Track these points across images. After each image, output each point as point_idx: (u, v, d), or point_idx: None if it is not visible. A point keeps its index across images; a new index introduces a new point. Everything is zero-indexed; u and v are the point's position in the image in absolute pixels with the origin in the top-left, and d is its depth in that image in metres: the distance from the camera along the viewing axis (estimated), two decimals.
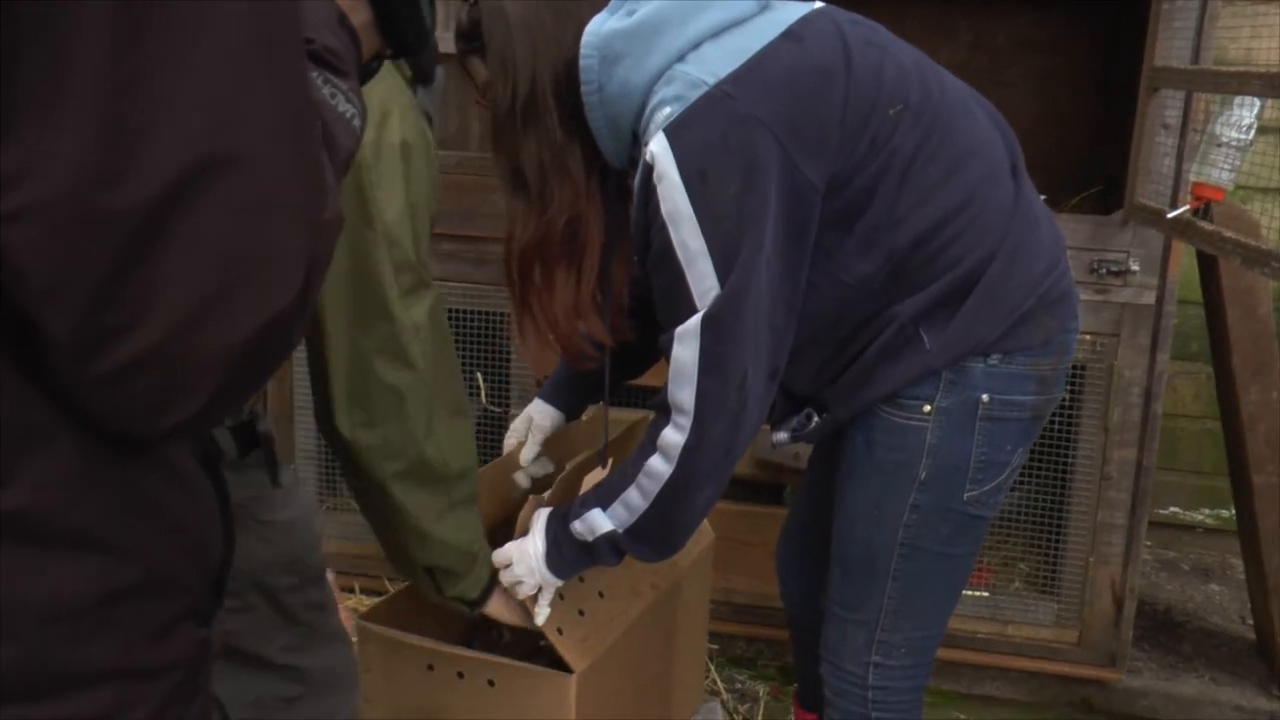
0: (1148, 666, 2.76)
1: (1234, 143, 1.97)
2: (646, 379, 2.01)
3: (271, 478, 1.32)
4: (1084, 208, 2.76)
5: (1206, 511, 3.50)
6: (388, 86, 1.42)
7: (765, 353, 1.47)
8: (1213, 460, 3.35)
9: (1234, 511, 2.88)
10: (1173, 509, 3.51)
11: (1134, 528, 2.55)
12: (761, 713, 2.62)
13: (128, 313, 0.65)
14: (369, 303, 1.43)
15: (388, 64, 1.49)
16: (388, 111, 1.41)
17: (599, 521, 1.61)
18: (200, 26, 0.64)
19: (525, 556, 1.68)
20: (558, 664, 1.85)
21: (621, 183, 1.58)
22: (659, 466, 1.53)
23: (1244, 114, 1.98)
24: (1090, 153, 3.12)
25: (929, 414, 1.56)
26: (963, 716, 2.68)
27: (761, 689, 2.73)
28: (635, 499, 1.57)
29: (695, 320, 1.43)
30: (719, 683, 2.70)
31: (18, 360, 0.67)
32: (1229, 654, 2.85)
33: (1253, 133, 1.99)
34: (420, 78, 1.47)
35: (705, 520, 2.19)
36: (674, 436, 1.50)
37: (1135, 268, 2.41)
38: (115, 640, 0.76)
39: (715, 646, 2.78)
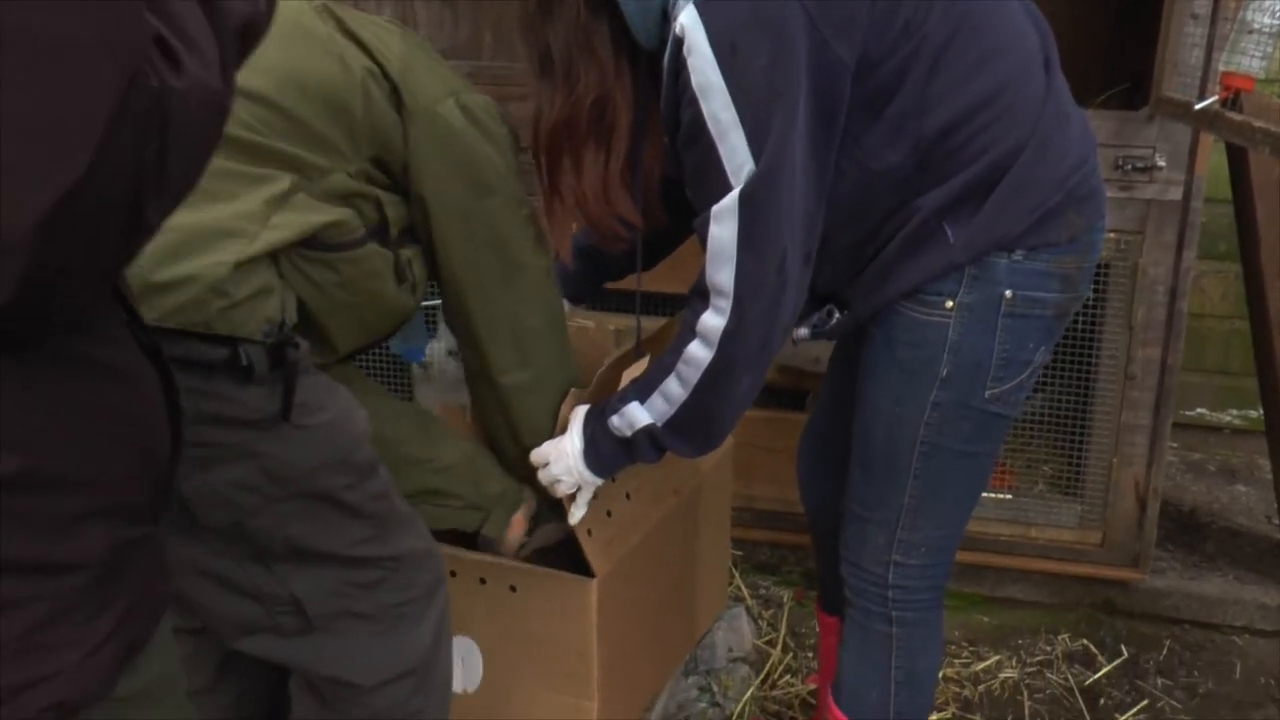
0: (1171, 567, 2.76)
1: (1267, 29, 1.91)
2: (659, 284, 2.00)
3: (284, 408, 1.32)
4: (1110, 105, 2.70)
5: (1234, 412, 3.47)
6: (450, 71, 1.56)
7: (800, 233, 1.46)
8: (1241, 360, 3.31)
9: (1261, 412, 2.85)
10: (1199, 410, 3.48)
11: (1158, 428, 2.53)
12: (785, 618, 2.64)
13: None
14: (508, 261, 1.61)
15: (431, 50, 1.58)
16: (460, 90, 1.54)
17: (637, 415, 1.61)
18: None
19: (563, 455, 1.69)
20: (579, 568, 1.86)
21: (651, 63, 1.55)
22: (698, 352, 1.52)
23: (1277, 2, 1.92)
24: (1116, 50, 3.04)
25: (951, 310, 1.54)
26: (986, 619, 2.69)
27: (785, 594, 2.74)
28: (674, 389, 1.57)
29: (733, 197, 1.41)
30: (743, 589, 2.72)
31: None
32: (1253, 554, 2.84)
33: None
34: None
35: None
36: (714, 320, 1.49)
37: (1161, 163, 2.36)
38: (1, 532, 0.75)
39: (739, 553, 2.79)
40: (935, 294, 1.54)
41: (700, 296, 1.51)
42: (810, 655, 2.52)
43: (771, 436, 2.71)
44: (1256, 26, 1.91)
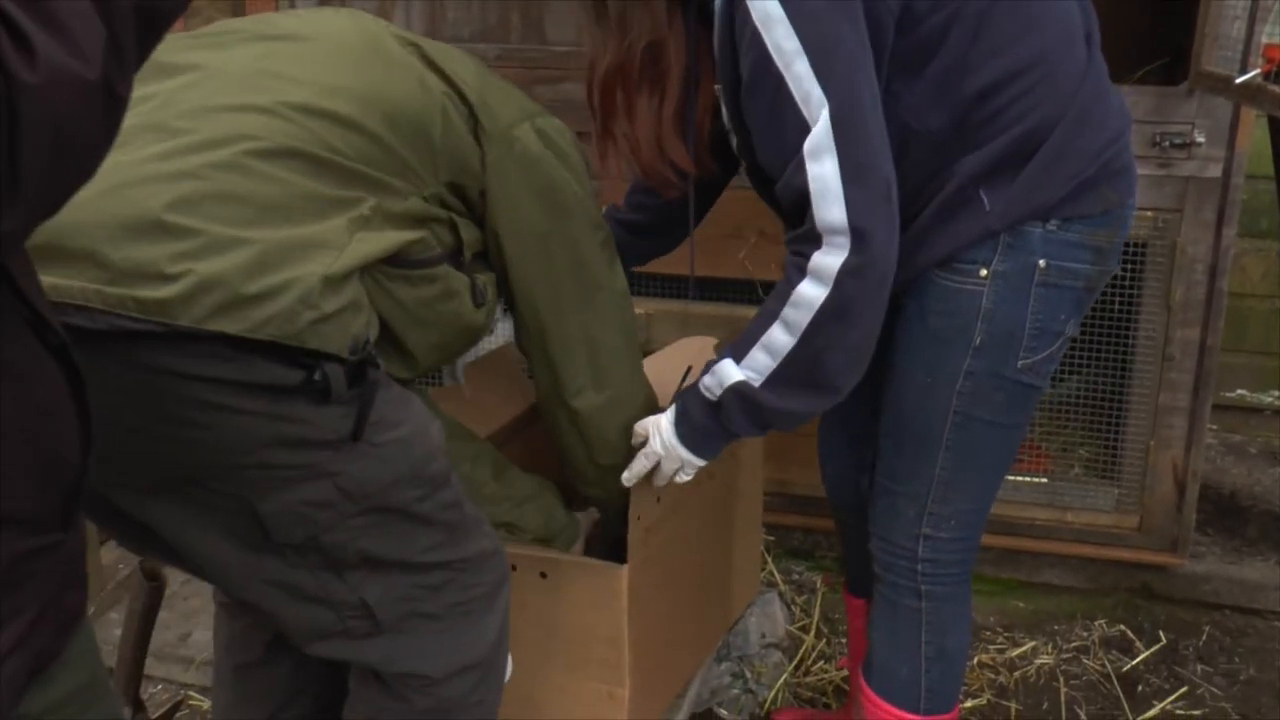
0: (1211, 551, 2.72)
1: None
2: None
3: (357, 428, 1.31)
4: (1147, 81, 2.65)
5: (1275, 393, 3.42)
6: (523, 94, 1.58)
7: (892, 164, 1.43)
8: None
9: None
10: (1240, 391, 3.43)
11: (1197, 409, 2.49)
12: (818, 603, 2.62)
13: None
14: (587, 282, 1.62)
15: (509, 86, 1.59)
16: (535, 114, 1.55)
17: (727, 371, 1.54)
18: None
19: (659, 430, 1.65)
20: (609, 552, 1.85)
21: (702, 14, 1.55)
22: (810, 291, 1.44)
23: None
24: (1153, 24, 2.99)
25: (985, 278, 1.54)
26: (1021, 604, 2.66)
27: (818, 579, 2.72)
28: (779, 338, 1.48)
29: (824, 128, 1.38)
30: (776, 574, 2.70)
31: None
32: None
33: None
34: None
35: None
36: (829, 258, 1.42)
37: (1200, 139, 2.31)
38: None
39: (772, 538, 2.77)
40: (970, 262, 1.54)
41: (808, 241, 1.44)
42: (844, 641, 2.50)
43: None
44: None
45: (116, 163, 1.19)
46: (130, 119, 1.24)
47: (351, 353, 1.28)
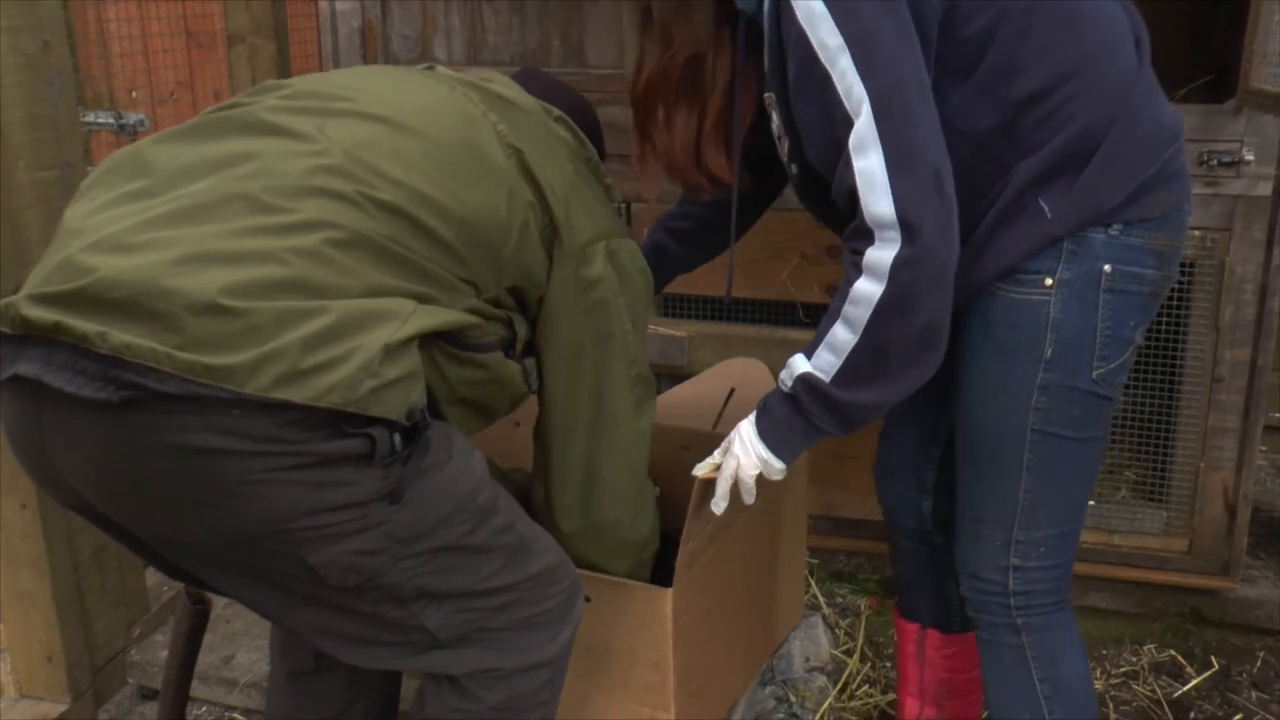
0: (1263, 575, 2.67)
1: None
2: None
3: (396, 488, 1.33)
4: (1192, 100, 2.62)
5: None
6: (607, 213, 1.61)
7: (944, 153, 1.41)
8: None
9: None
10: None
11: (1248, 431, 2.45)
12: (863, 627, 2.59)
13: None
14: (603, 413, 1.63)
15: (598, 188, 1.64)
16: (610, 236, 1.59)
17: (796, 364, 1.53)
18: None
19: (739, 432, 1.62)
20: (657, 576, 1.84)
21: (749, 29, 1.56)
22: (866, 288, 1.42)
23: None
24: (1198, 41, 2.96)
25: (1050, 287, 1.51)
26: None
27: (863, 602, 2.70)
28: (842, 335, 1.47)
29: (867, 120, 1.38)
30: (820, 597, 2.68)
31: None
32: None
33: None
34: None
35: None
36: (882, 253, 1.40)
37: (1249, 157, 2.28)
38: None
39: (815, 561, 2.75)
40: (1033, 272, 1.52)
41: (861, 237, 1.43)
42: (889, 665, 2.47)
43: (847, 443, 2.64)
44: None
45: (207, 232, 1.22)
46: (225, 182, 1.27)
47: (408, 419, 1.29)
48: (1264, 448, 3.16)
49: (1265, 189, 2.30)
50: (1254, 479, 2.49)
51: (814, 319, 2.54)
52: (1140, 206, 1.51)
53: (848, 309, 1.45)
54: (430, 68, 1.65)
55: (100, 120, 3.25)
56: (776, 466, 1.59)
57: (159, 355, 1.15)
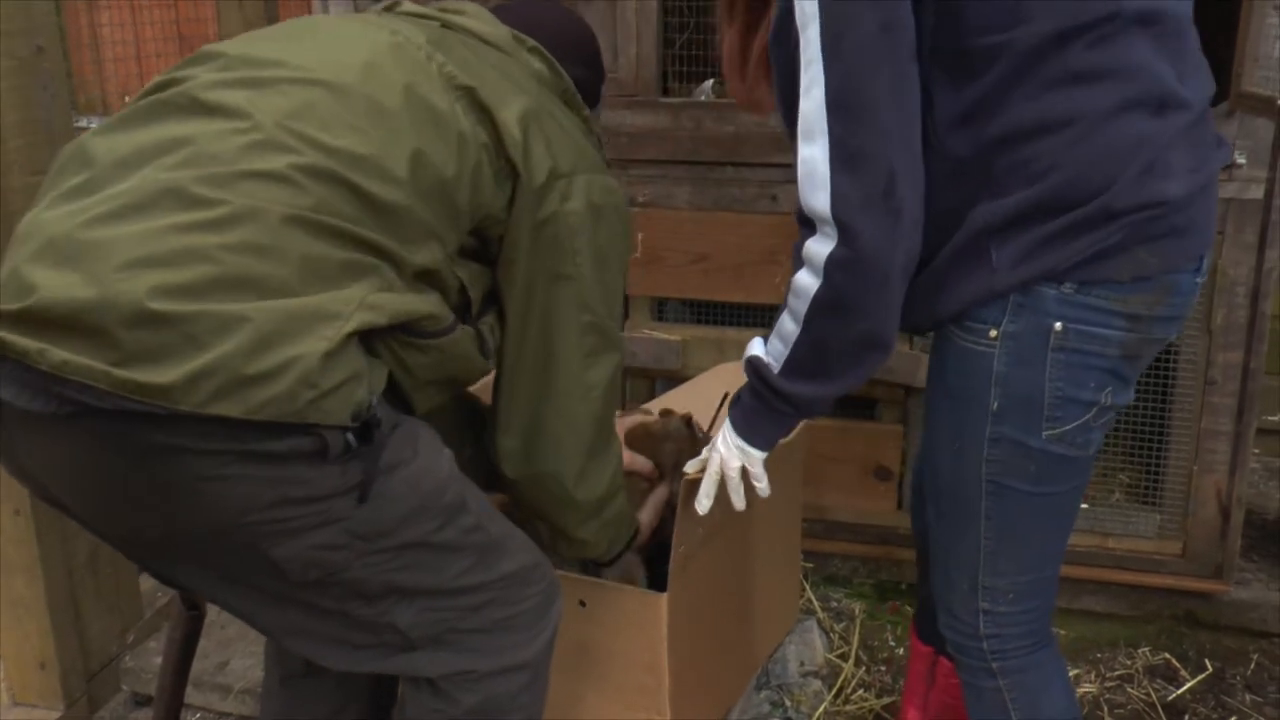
0: (1257, 578, 2.67)
1: None
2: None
3: (363, 489, 1.32)
4: None
5: None
6: (576, 146, 1.52)
7: (908, 158, 1.33)
8: None
9: None
10: None
11: (1240, 434, 2.45)
12: (858, 631, 2.59)
13: None
14: (551, 358, 1.55)
15: (574, 119, 1.57)
16: (575, 172, 1.50)
17: (753, 348, 1.51)
18: None
19: (722, 430, 1.61)
20: (653, 579, 1.84)
21: None
22: (804, 280, 1.38)
23: None
24: None
25: (995, 339, 1.43)
26: (1063, 631, 2.62)
27: (857, 606, 2.70)
28: (787, 325, 1.44)
29: (817, 104, 1.31)
30: (814, 601, 2.68)
31: None
32: None
33: None
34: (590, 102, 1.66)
35: (795, 434, 2.15)
36: (819, 247, 1.35)
37: (1241, 160, 2.29)
38: None
39: (810, 565, 2.75)
40: (981, 321, 1.44)
41: (804, 222, 1.38)
42: (883, 669, 2.48)
43: (839, 446, 2.67)
44: None
45: (141, 230, 1.21)
46: (158, 173, 1.26)
47: (354, 419, 1.28)
48: (1257, 450, 3.17)
49: (1257, 192, 2.31)
50: (1247, 482, 2.50)
51: None
52: (1102, 269, 1.38)
53: (790, 300, 1.42)
54: (390, 6, 1.60)
55: (93, 125, 3.25)
56: (753, 455, 1.58)
57: (95, 373, 1.15)
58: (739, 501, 1.64)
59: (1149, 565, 2.58)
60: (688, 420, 1.99)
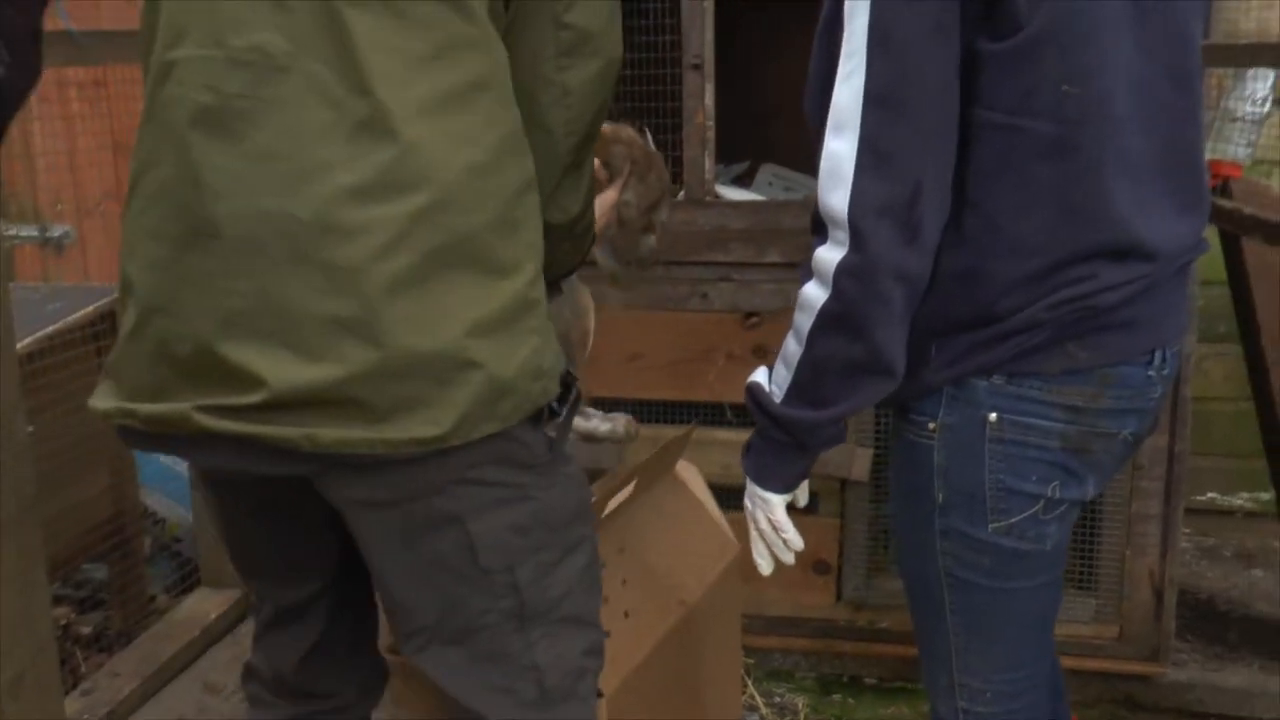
0: (1193, 658, 2.70)
1: (1249, 116, 1.94)
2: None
3: (556, 445, 1.35)
4: None
5: (1245, 495, 3.44)
6: None
7: (942, 170, 1.26)
8: (1249, 441, 3.27)
9: (1273, 494, 2.82)
10: (1210, 494, 3.45)
11: (1169, 516, 2.49)
12: None
13: None
14: (526, 61, 1.35)
15: None
16: None
17: (755, 375, 1.44)
18: None
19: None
20: None
21: None
22: (812, 293, 1.32)
23: (1258, 87, 1.95)
24: None
25: (934, 431, 1.41)
26: None
27: (800, 700, 2.68)
28: (790, 346, 1.37)
29: (853, 96, 1.24)
30: (757, 697, 2.66)
31: None
32: (1277, 641, 2.78)
33: (1268, 105, 1.96)
34: None
35: (730, 532, 2.16)
36: (828, 253, 1.29)
37: None
38: None
39: (751, 660, 2.74)
40: (922, 413, 1.42)
41: (817, 230, 1.32)
42: None
43: None
44: (1240, 114, 1.94)
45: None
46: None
47: (564, 383, 1.32)
48: (1188, 530, 3.22)
49: None
50: (1179, 562, 2.54)
51: (742, 419, 2.56)
52: (1029, 363, 1.35)
53: (796, 316, 1.36)
54: None
55: (24, 234, 3.23)
56: (770, 501, 1.49)
57: (374, 443, 1.18)
58: (781, 556, 1.56)
59: (1087, 650, 2.60)
60: (640, 129, 1.97)
